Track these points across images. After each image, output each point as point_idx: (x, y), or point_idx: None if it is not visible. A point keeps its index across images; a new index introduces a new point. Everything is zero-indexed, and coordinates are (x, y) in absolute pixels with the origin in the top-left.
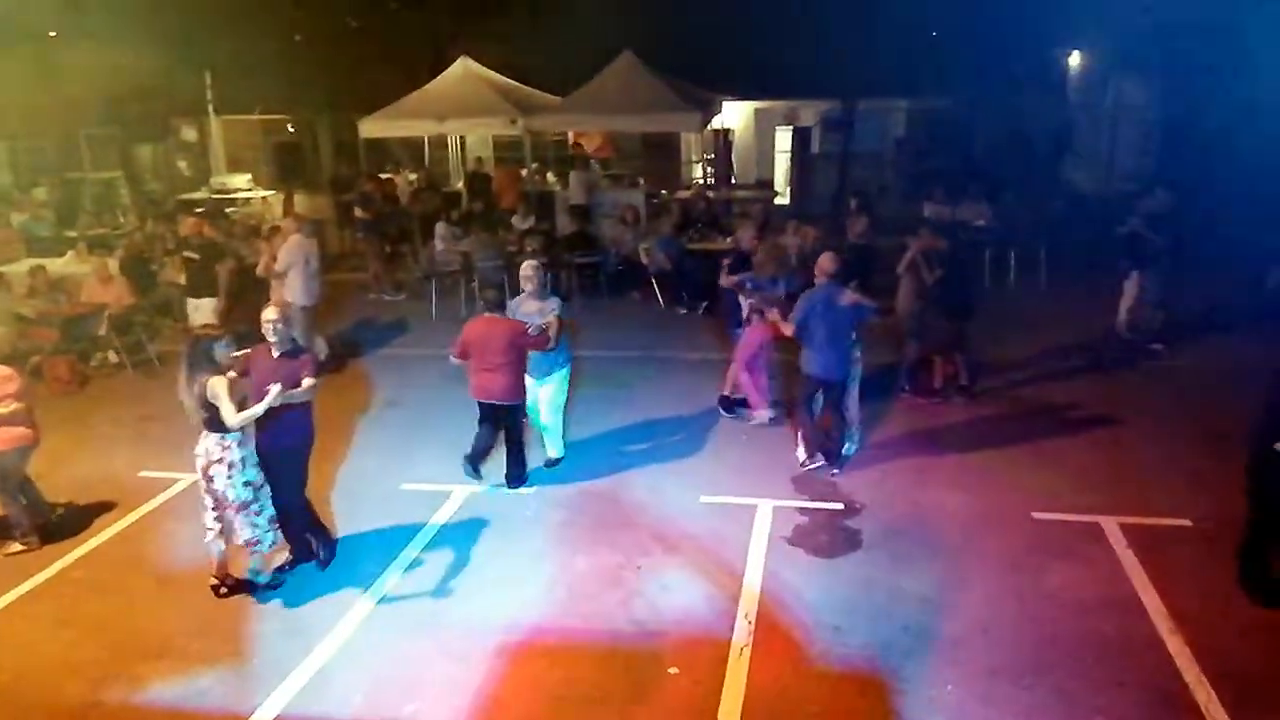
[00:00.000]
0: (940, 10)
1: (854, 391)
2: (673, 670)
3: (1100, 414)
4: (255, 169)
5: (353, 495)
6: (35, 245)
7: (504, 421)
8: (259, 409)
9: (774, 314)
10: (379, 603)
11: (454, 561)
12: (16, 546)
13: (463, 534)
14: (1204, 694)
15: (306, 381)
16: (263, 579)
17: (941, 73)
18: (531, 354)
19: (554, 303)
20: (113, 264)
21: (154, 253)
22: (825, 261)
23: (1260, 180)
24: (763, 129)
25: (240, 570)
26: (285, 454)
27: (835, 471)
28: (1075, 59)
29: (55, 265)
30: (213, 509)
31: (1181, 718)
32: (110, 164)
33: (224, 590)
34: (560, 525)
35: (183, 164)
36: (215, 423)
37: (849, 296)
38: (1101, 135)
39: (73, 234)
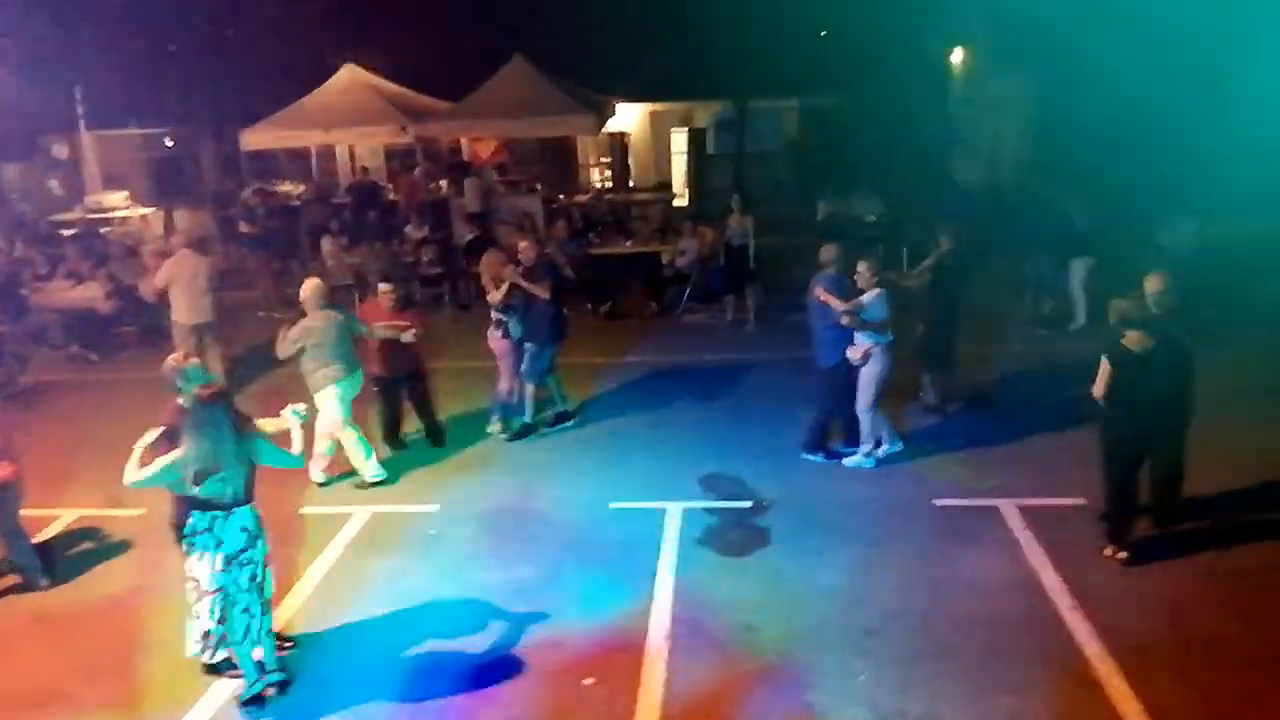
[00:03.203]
0: (827, 10)
1: (862, 389)
2: (588, 681)
3: (995, 400)
4: (132, 186)
5: None
6: None
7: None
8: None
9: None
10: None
11: (359, 584)
12: None
13: (367, 556)
14: (1105, 667)
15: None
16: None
17: (830, 72)
18: None
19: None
20: None
21: (24, 277)
22: (820, 252)
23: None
24: (659, 131)
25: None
26: None
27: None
28: (958, 55)
29: None
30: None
31: (1086, 691)
32: None
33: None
34: (466, 541)
35: (54, 183)
36: (250, 490)
37: (818, 292)
38: (985, 128)
39: None
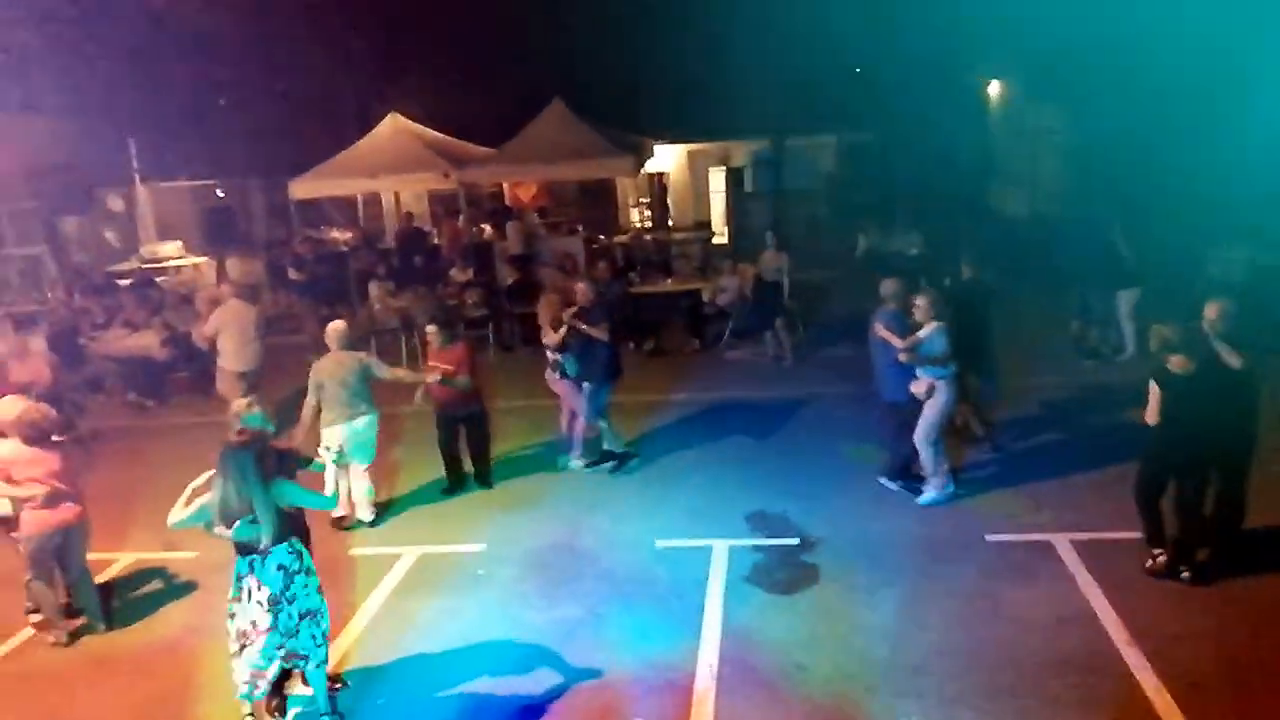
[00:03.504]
0: (863, 46)
1: (923, 421)
2: None
3: (1045, 433)
4: (185, 236)
5: None
6: None
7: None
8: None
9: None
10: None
11: (407, 625)
12: (50, 638)
13: (415, 596)
14: (1163, 703)
15: None
16: None
17: (868, 107)
18: None
19: None
20: (33, 341)
21: (82, 326)
22: (881, 287)
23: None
24: (697, 171)
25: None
26: None
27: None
28: (995, 87)
29: None
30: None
31: None
32: (34, 238)
33: None
34: (513, 581)
35: (110, 234)
36: (282, 533)
37: (878, 328)
38: (1024, 159)
39: None
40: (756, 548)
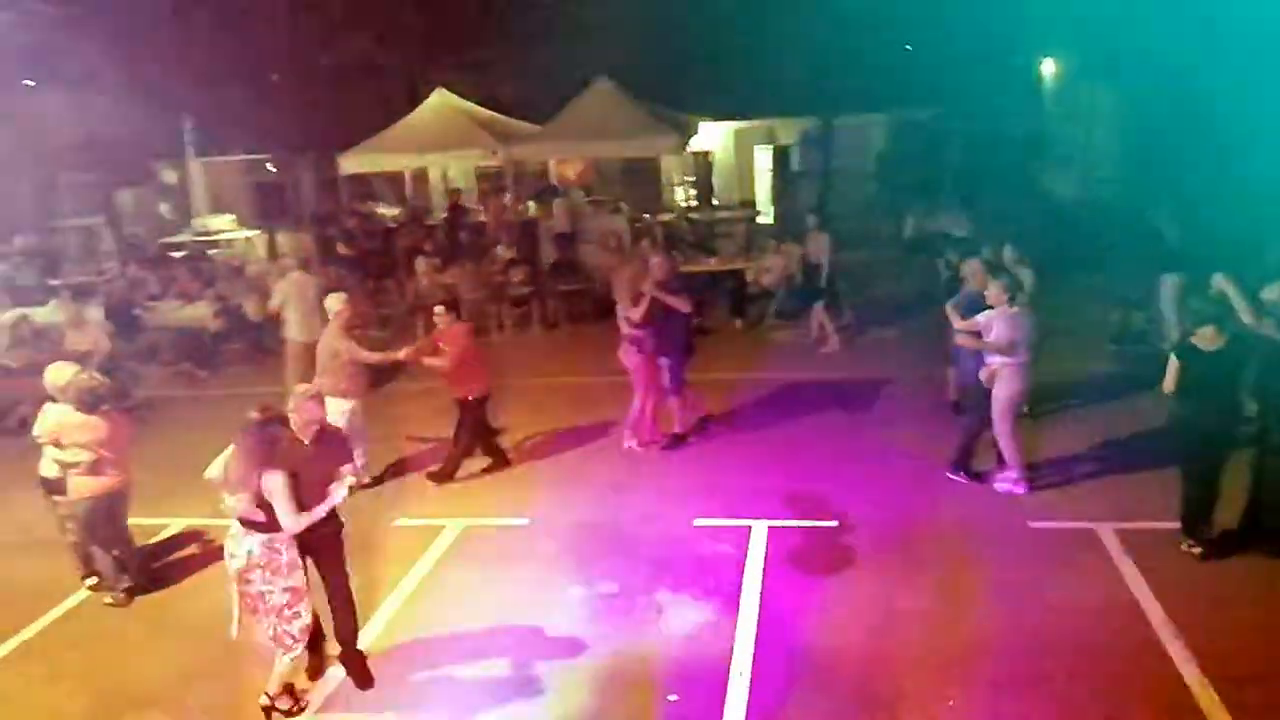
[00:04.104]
0: (914, 23)
1: (995, 410)
2: (672, 698)
3: (1091, 420)
4: (237, 209)
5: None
6: (18, 295)
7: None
8: (321, 510)
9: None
10: (376, 639)
11: (450, 597)
12: (108, 598)
13: (457, 569)
14: (1208, 698)
15: (346, 472)
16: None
17: (918, 85)
18: None
19: None
20: (90, 310)
21: (137, 298)
22: (962, 268)
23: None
24: (742, 149)
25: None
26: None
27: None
28: (1049, 66)
29: (39, 314)
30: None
31: None
32: (91, 209)
33: (278, 712)
34: (554, 556)
35: (164, 207)
36: (269, 523)
37: (948, 309)
38: (1076, 140)
39: (56, 282)
40: (796, 529)
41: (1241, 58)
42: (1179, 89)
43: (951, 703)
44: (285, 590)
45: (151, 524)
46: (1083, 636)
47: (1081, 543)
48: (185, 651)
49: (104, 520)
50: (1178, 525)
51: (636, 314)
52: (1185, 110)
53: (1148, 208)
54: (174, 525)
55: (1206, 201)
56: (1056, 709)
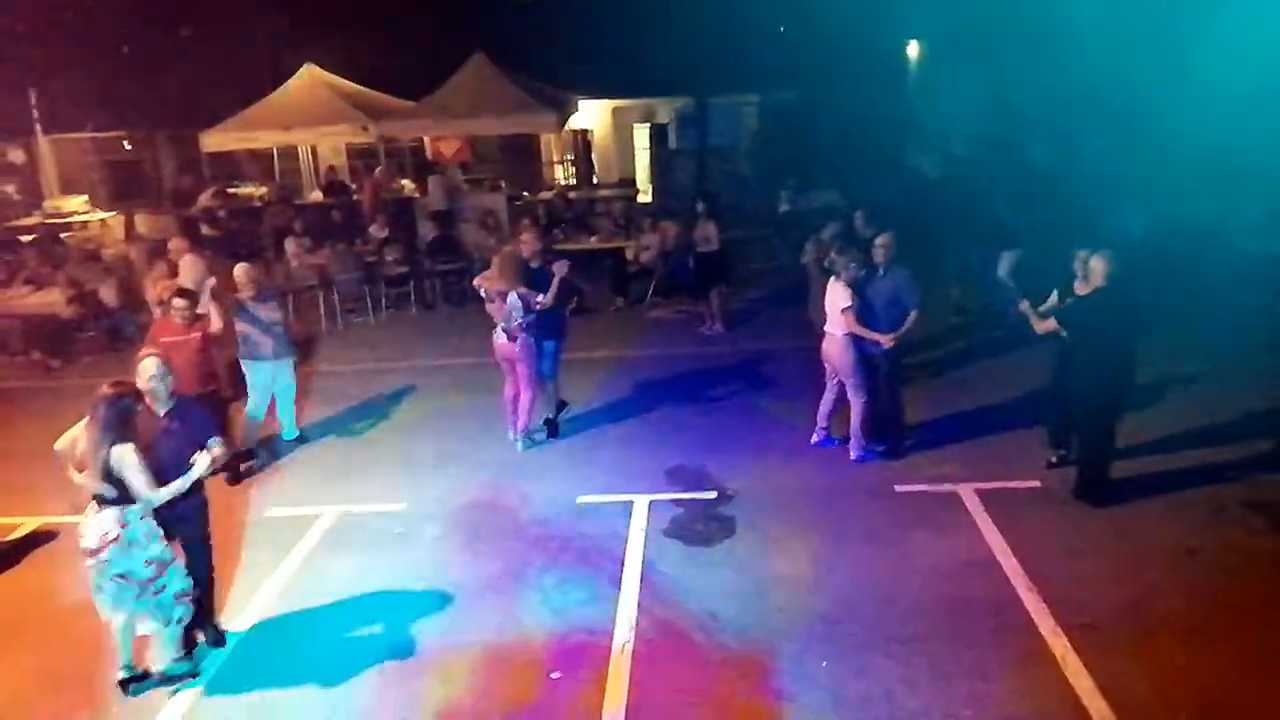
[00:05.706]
0: (786, 5)
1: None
2: (555, 675)
3: (954, 385)
4: (90, 190)
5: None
6: None
7: None
8: (181, 484)
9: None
10: (249, 630)
11: (325, 585)
12: None
13: (333, 556)
14: (1061, 646)
15: (214, 445)
16: (182, 668)
17: (790, 66)
18: None
19: None
20: None
21: None
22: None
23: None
24: (621, 128)
25: (152, 661)
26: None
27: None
28: (913, 48)
29: None
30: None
31: (1042, 670)
32: None
33: (132, 686)
34: (434, 539)
35: (11, 188)
36: (120, 497)
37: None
38: (938, 120)
39: None
40: (676, 502)
41: (1097, 41)
42: (1034, 71)
43: (825, 664)
44: (148, 564)
45: (4, 523)
46: (947, 593)
47: (945, 504)
48: (36, 658)
49: None
50: (1033, 484)
51: (548, 300)
52: (1040, 91)
53: (986, 186)
54: (28, 524)
55: (1051, 180)
56: (923, 665)
